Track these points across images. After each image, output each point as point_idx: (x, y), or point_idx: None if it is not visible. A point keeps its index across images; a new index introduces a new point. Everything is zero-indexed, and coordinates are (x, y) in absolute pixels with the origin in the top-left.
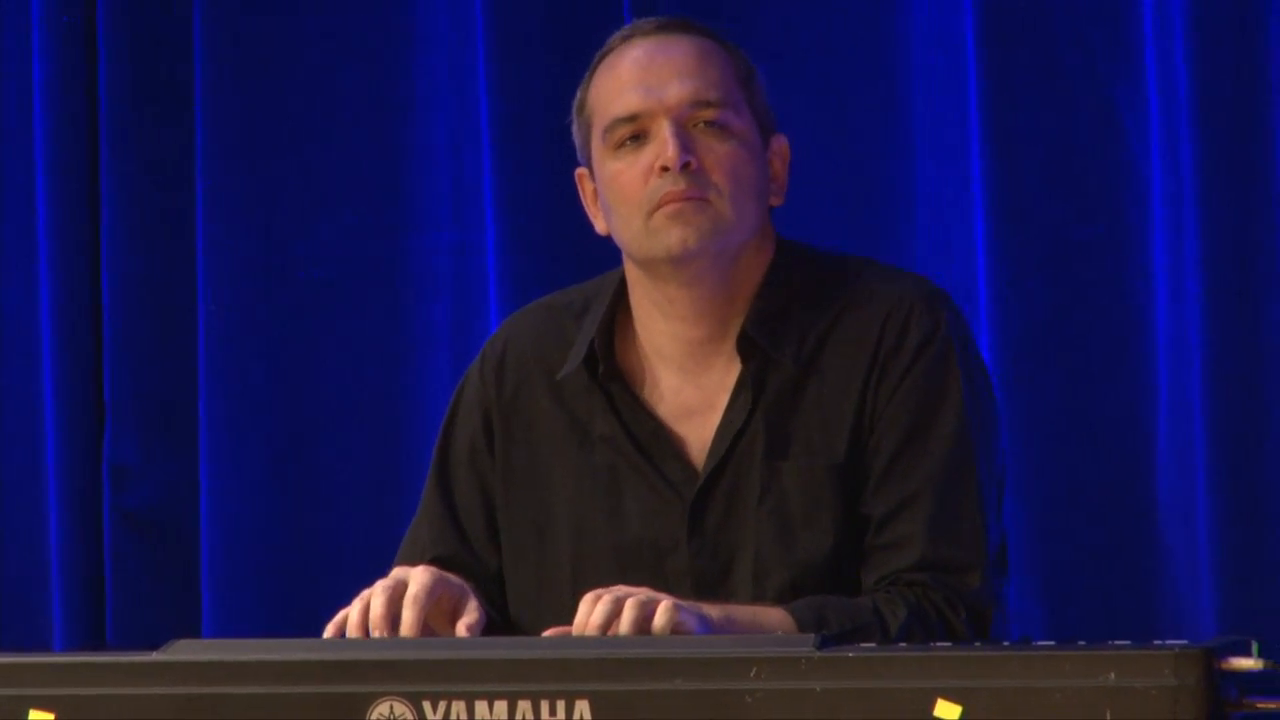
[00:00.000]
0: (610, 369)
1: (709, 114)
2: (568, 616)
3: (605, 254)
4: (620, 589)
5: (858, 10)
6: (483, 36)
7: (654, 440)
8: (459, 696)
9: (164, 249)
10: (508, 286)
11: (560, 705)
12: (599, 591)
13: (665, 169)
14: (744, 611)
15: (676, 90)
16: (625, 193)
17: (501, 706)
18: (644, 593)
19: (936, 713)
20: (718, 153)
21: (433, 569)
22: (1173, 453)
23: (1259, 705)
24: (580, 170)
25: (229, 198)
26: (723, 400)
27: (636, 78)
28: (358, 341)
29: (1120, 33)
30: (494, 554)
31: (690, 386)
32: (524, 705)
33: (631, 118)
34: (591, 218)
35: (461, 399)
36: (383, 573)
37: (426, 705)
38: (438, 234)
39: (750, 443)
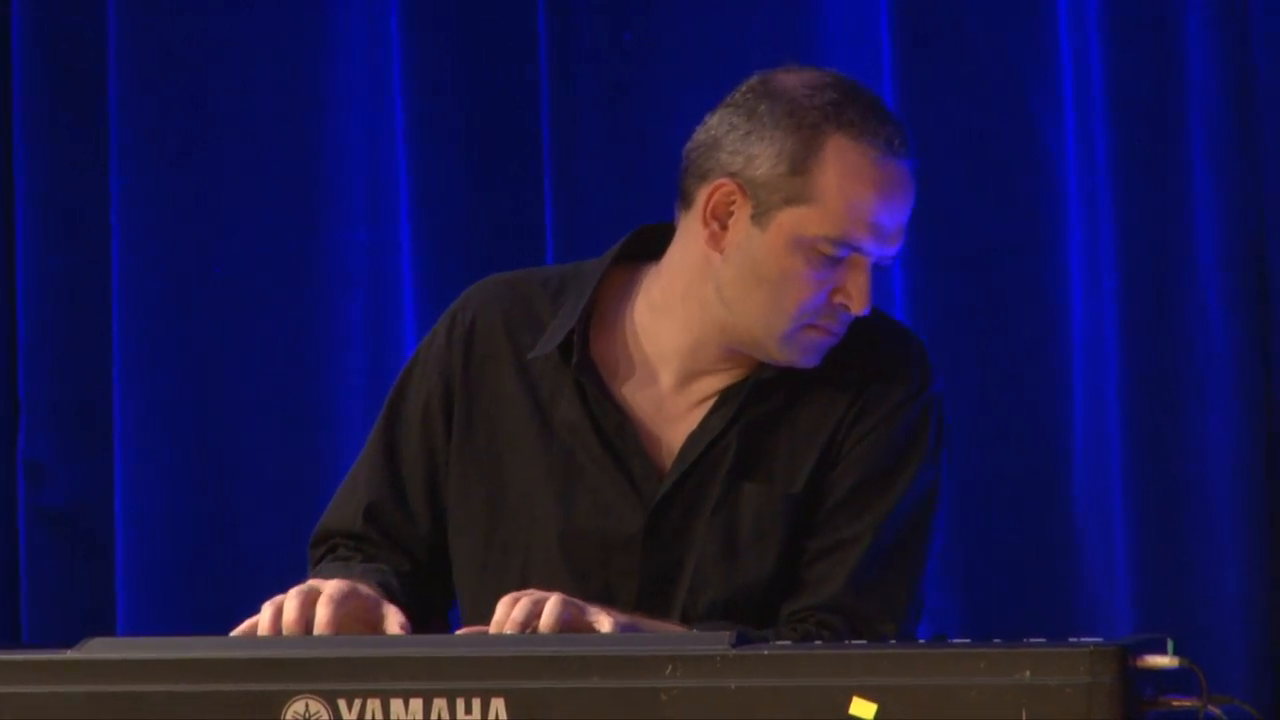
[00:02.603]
0: (584, 360)
1: (888, 263)
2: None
3: (523, 253)
4: (537, 593)
5: (772, 11)
6: (397, 35)
7: (619, 434)
8: (374, 695)
9: (79, 247)
10: (423, 284)
11: (476, 703)
12: (516, 594)
13: (845, 307)
14: (650, 625)
15: (893, 246)
16: (789, 289)
17: (417, 705)
18: (559, 595)
19: (852, 710)
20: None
21: (346, 580)
22: (1089, 450)
23: (1174, 703)
24: (728, 184)
25: (144, 196)
26: (702, 410)
27: (880, 212)
28: (273, 340)
29: (1035, 32)
30: (427, 516)
31: (679, 391)
32: (440, 704)
33: (856, 249)
34: (704, 222)
35: (423, 357)
36: (299, 570)
37: (342, 704)
38: (353, 232)
39: (720, 455)
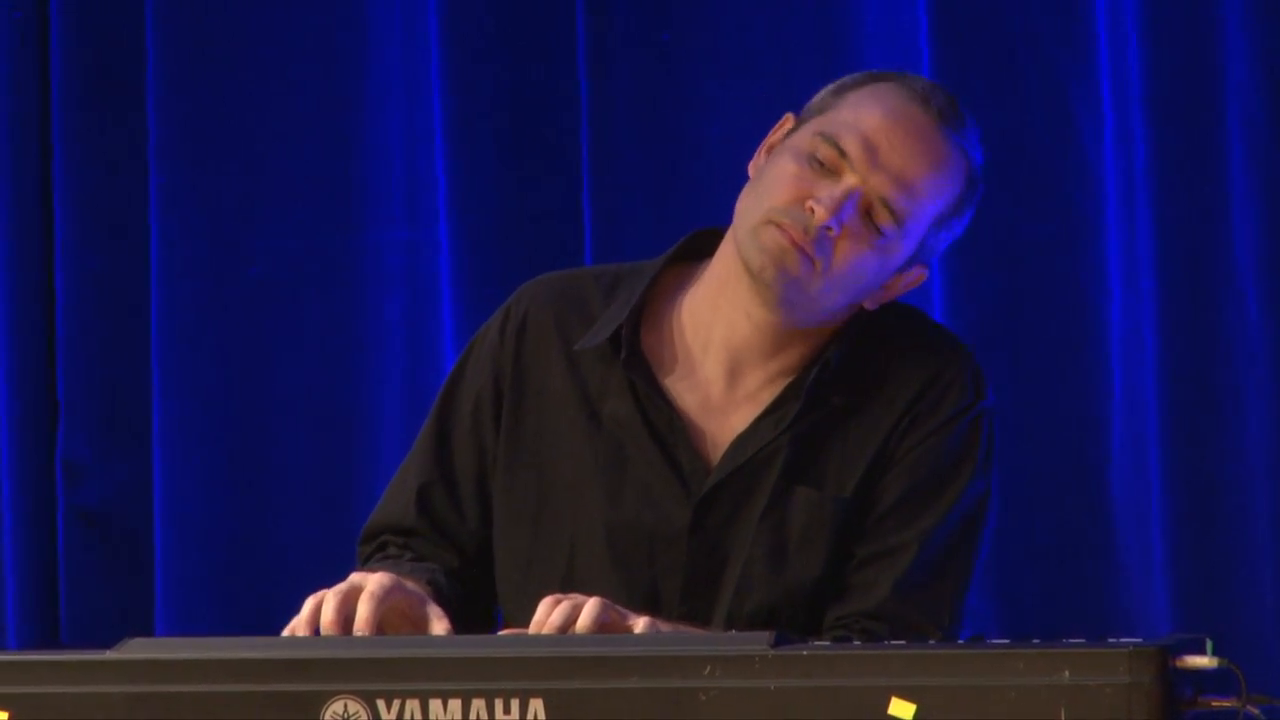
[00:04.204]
0: (634, 355)
1: (883, 219)
2: (558, 590)
3: (562, 252)
4: (578, 596)
5: (810, 11)
6: (436, 33)
7: (669, 429)
8: (413, 695)
9: (117, 246)
10: (461, 284)
11: (515, 704)
12: (558, 595)
13: (813, 211)
14: (694, 633)
15: (889, 183)
16: (774, 188)
17: (456, 705)
18: (597, 599)
19: (891, 711)
20: (857, 246)
21: (391, 574)
22: (1127, 450)
23: (1213, 703)
24: (789, 119)
25: (182, 195)
26: (752, 407)
27: (879, 134)
28: (311, 339)
29: (1074, 30)
30: (476, 511)
31: (724, 384)
32: (478, 704)
33: (842, 154)
34: (759, 157)
35: (476, 350)
36: (337, 570)
37: (381, 704)
38: (391, 231)
39: (770, 456)
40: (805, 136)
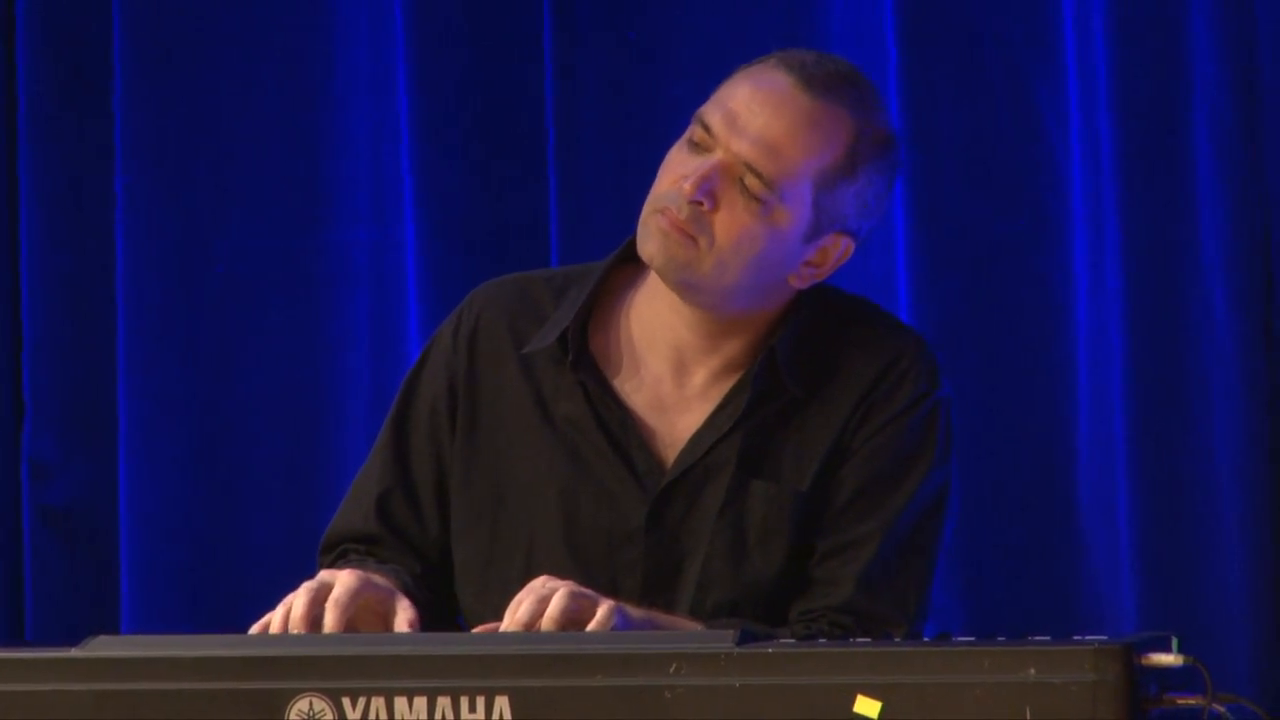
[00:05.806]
0: (580, 357)
1: (754, 185)
2: (516, 591)
3: (527, 251)
4: (550, 583)
5: (776, 10)
6: (402, 31)
7: (622, 429)
8: (378, 693)
9: (84, 245)
10: (427, 283)
11: (480, 701)
12: (527, 590)
13: (680, 187)
14: (665, 619)
15: (747, 146)
16: (661, 176)
17: (421, 703)
18: (572, 585)
19: (856, 709)
20: (735, 216)
21: (359, 572)
22: (1093, 449)
23: (1179, 701)
24: None
25: (148, 194)
26: (702, 404)
27: (740, 104)
28: (277, 338)
29: (1040, 30)
30: (436, 519)
31: (672, 382)
32: (444, 702)
33: (707, 129)
34: None
35: (431, 356)
36: (302, 569)
37: (346, 702)
38: (357, 230)
39: (725, 452)
40: (690, 126)
